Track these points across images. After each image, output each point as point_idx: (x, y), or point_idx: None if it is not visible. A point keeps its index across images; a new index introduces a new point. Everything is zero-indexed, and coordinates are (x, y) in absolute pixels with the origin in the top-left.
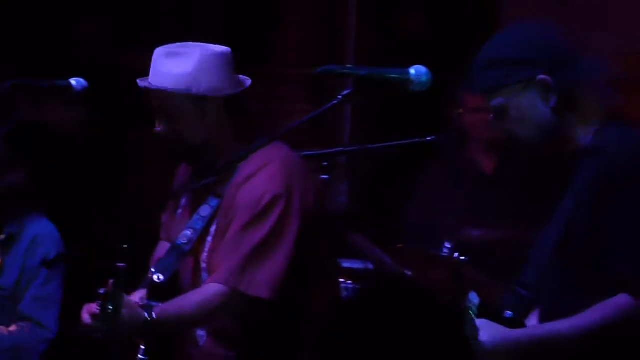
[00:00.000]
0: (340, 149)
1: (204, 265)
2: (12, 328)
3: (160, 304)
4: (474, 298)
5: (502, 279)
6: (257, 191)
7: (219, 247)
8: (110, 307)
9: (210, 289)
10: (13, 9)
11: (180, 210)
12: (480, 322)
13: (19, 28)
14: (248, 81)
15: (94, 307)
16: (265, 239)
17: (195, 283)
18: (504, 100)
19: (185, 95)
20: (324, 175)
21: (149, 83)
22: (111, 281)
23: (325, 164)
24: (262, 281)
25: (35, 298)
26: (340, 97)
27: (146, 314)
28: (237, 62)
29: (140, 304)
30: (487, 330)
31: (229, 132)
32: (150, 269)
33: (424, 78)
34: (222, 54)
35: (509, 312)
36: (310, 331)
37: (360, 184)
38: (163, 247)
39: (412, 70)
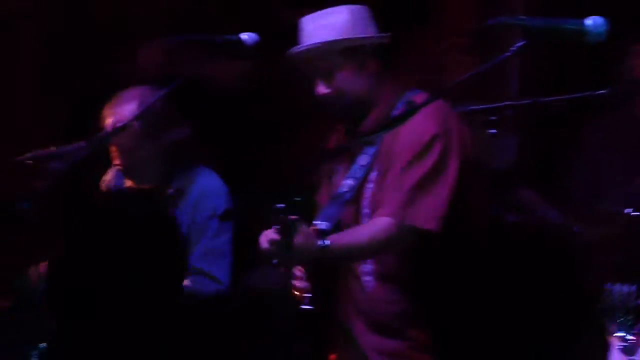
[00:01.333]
0: (508, 102)
1: (365, 211)
2: (185, 282)
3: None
4: None
5: None
6: (415, 132)
7: (380, 191)
8: (288, 236)
9: (379, 222)
10: None
11: (337, 168)
12: None
13: None
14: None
15: (271, 233)
16: (427, 174)
17: None
18: None
19: (344, 48)
20: (492, 130)
21: (306, 46)
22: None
23: (493, 118)
24: (428, 213)
25: (206, 251)
26: (513, 49)
27: (321, 241)
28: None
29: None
30: None
31: (384, 84)
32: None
33: (601, 29)
34: (364, 7)
35: None
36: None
37: (528, 139)
38: None
39: (589, 21)
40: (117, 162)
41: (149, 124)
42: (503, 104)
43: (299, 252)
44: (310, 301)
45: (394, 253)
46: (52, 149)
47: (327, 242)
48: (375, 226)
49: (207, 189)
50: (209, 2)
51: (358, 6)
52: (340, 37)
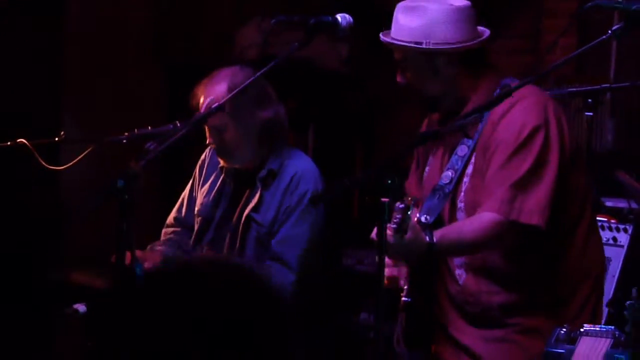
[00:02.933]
0: (606, 85)
1: (460, 205)
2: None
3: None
4: None
5: None
6: (515, 125)
7: (475, 186)
8: (400, 229)
9: (484, 218)
10: None
11: (431, 158)
12: None
13: None
14: (486, 33)
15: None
16: (530, 169)
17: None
18: None
19: (417, 50)
20: (589, 113)
21: (386, 36)
22: (401, 205)
23: (590, 101)
24: (532, 209)
25: (286, 237)
26: (610, 32)
27: (428, 238)
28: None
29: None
30: None
31: (468, 83)
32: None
33: None
34: (458, 8)
35: None
36: (572, 269)
37: (626, 122)
38: None
39: None
40: (209, 141)
41: (240, 104)
42: (600, 86)
43: (408, 248)
44: (408, 293)
45: (499, 249)
46: (148, 128)
47: (434, 239)
48: (479, 222)
49: (298, 173)
50: None
51: (450, 6)
52: (413, 42)
